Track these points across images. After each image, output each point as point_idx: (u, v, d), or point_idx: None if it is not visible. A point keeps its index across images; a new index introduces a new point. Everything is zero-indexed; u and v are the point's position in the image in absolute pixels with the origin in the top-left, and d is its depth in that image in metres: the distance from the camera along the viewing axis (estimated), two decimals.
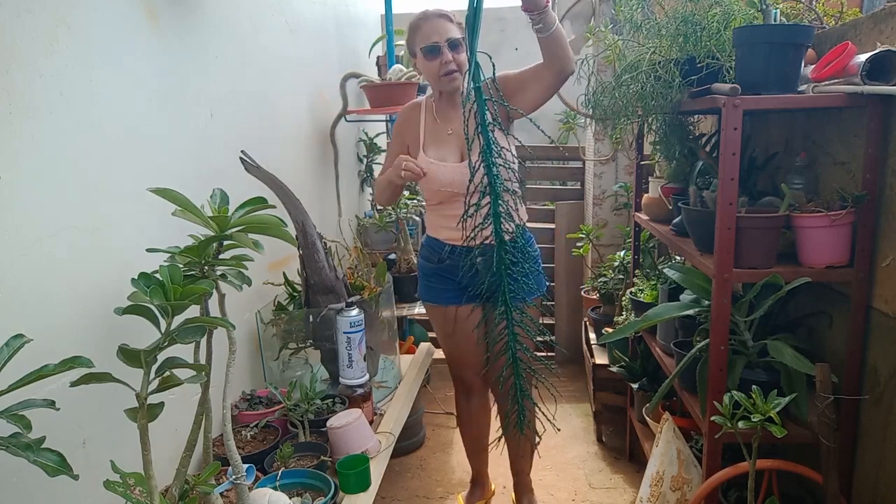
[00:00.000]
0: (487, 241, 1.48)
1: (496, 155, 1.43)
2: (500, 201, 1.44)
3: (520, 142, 1.55)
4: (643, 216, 2.39)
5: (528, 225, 2.06)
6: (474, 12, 1.36)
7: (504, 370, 1.66)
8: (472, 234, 1.44)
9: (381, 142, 3.54)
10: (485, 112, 1.41)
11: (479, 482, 2.44)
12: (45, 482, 1.01)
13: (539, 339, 1.67)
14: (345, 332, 1.94)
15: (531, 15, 1.69)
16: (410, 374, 2.48)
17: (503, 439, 1.99)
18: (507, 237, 1.48)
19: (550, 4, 1.70)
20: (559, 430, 1.76)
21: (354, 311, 1.95)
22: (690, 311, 1.69)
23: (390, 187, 2.08)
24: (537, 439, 1.83)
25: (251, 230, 1.27)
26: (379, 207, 3.35)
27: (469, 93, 1.40)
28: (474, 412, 2.32)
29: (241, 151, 1.86)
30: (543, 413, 1.68)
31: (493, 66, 1.47)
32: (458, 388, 2.32)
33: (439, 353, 2.89)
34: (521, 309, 1.58)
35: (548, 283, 2.02)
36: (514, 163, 1.78)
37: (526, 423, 1.70)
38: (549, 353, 3.56)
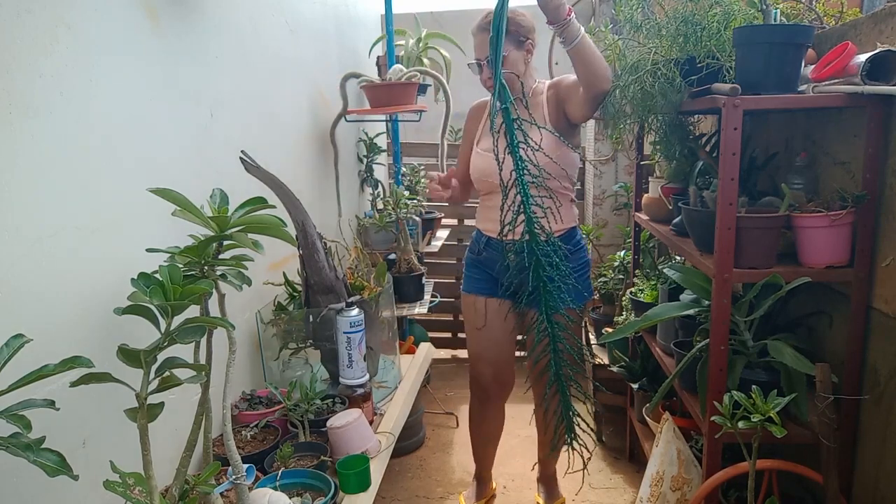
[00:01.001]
0: (520, 239, 1.49)
1: (526, 172, 1.46)
2: (532, 203, 1.47)
3: (572, 146, 1.64)
4: (643, 216, 2.39)
5: None
6: (497, 33, 1.39)
7: (547, 389, 1.67)
8: (507, 230, 1.47)
9: (382, 142, 3.54)
10: (514, 131, 1.43)
11: (481, 479, 2.43)
12: (45, 482, 1.01)
13: (578, 354, 1.67)
14: (345, 332, 1.94)
15: (554, 27, 1.69)
16: (410, 374, 2.48)
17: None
18: (541, 237, 1.49)
19: (573, 16, 1.67)
20: (590, 455, 1.78)
21: (354, 311, 1.95)
22: (690, 311, 1.69)
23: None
24: (587, 455, 1.80)
25: (251, 230, 1.27)
26: (379, 207, 3.36)
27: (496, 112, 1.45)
28: (488, 417, 2.30)
29: (241, 151, 1.85)
30: (585, 430, 1.69)
31: (522, 84, 1.59)
32: (475, 392, 2.28)
33: (439, 354, 2.89)
34: (561, 324, 1.57)
35: (587, 296, 2.13)
36: (566, 166, 1.91)
37: (574, 437, 1.71)
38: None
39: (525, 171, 1.46)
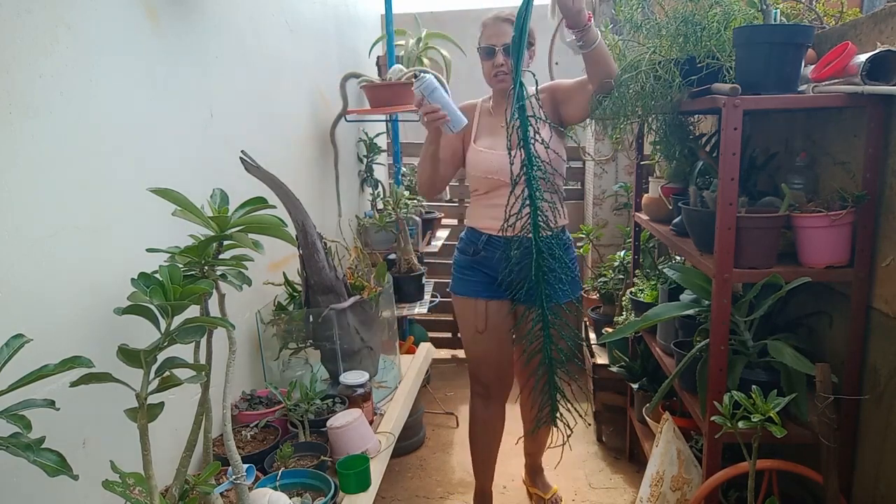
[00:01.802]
0: (523, 234, 1.62)
1: (536, 167, 1.57)
2: (539, 202, 1.59)
3: (575, 141, 1.74)
4: (643, 216, 2.39)
5: None
6: (520, 33, 1.48)
7: (539, 370, 1.76)
8: (511, 224, 1.60)
9: (381, 141, 3.54)
10: (527, 128, 1.52)
11: (484, 495, 2.36)
12: (45, 482, 1.01)
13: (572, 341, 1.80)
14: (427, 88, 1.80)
15: (574, 32, 1.72)
16: (410, 374, 2.48)
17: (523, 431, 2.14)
18: (544, 233, 1.64)
19: (593, 21, 1.72)
20: (570, 431, 1.86)
21: (428, 76, 1.82)
22: (690, 311, 1.69)
23: (430, 159, 2.04)
24: (568, 431, 1.88)
25: (251, 230, 1.27)
26: (379, 207, 3.36)
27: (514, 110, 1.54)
28: (491, 420, 2.25)
29: (241, 151, 1.86)
30: (574, 407, 1.81)
31: (536, 81, 1.63)
32: (477, 392, 2.25)
33: (439, 354, 2.89)
34: (557, 312, 1.69)
35: (580, 289, 2.17)
36: (563, 163, 1.97)
37: (557, 416, 1.82)
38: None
39: (535, 167, 1.55)
